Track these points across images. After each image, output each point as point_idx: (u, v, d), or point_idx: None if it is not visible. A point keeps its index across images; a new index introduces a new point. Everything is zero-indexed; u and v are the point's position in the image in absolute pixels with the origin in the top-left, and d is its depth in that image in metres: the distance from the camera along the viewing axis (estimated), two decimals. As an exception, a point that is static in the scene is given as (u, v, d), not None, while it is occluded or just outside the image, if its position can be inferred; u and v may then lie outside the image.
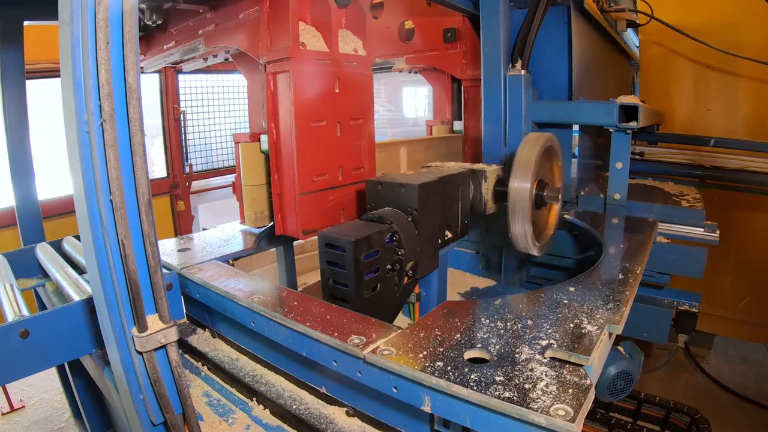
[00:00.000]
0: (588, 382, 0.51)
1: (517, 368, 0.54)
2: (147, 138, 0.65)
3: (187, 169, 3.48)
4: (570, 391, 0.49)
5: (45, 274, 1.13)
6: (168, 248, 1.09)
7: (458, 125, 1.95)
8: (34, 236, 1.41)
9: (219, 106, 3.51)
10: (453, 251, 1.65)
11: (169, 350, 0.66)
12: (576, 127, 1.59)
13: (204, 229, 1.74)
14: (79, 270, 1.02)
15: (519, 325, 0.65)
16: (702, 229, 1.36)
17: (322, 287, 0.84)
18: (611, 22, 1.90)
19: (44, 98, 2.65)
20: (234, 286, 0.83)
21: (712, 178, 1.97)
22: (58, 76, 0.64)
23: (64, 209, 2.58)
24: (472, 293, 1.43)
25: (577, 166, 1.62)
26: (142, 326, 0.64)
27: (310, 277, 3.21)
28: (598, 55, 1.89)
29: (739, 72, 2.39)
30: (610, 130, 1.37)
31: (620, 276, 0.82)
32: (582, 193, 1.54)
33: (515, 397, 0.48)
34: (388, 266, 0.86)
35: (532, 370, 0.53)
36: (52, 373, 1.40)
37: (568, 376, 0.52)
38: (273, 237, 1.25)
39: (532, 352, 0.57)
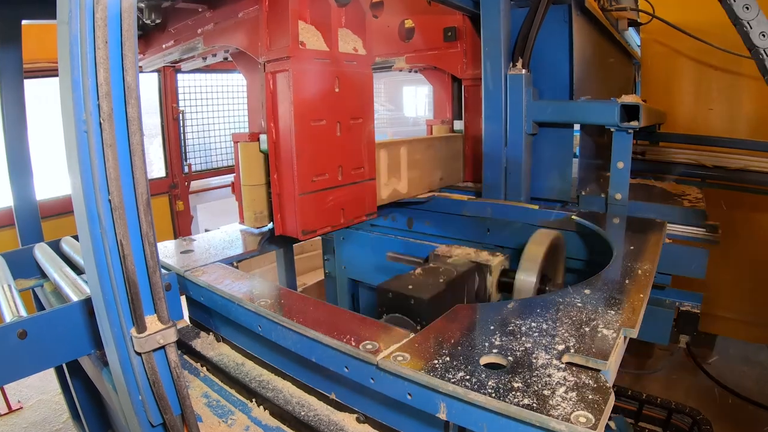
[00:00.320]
0: (608, 387, 0.50)
1: (534, 374, 0.52)
2: (146, 137, 0.64)
3: (186, 169, 3.47)
4: (590, 397, 0.48)
5: (43, 275, 1.12)
6: (170, 250, 1.08)
7: (458, 125, 1.92)
8: (33, 236, 1.41)
9: (218, 105, 3.51)
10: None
11: (168, 351, 0.66)
12: (577, 127, 1.58)
13: (206, 230, 1.74)
14: (78, 270, 1.01)
15: (533, 329, 0.63)
16: (704, 229, 1.35)
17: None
18: (612, 21, 1.90)
19: (42, 97, 2.65)
20: (239, 289, 0.81)
21: (713, 178, 1.96)
22: (57, 75, 0.64)
23: (62, 209, 2.58)
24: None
25: (578, 165, 1.62)
26: (141, 327, 0.63)
27: (309, 278, 3.21)
28: (600, 54, 1.88)
29: (741, 71, 2.39)
30: (612, 129, 1.37)
31: (632, 278, 0.81)
32: (583, 193, 1.54)
33: (534, 404, 0.47)
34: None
35: (550, 375, 0.52)
36: (51, 374, 1.38)
37: (588, 382, 0.51)
38: (274, 238, 1.24)
39: (548, 357, 0.56)
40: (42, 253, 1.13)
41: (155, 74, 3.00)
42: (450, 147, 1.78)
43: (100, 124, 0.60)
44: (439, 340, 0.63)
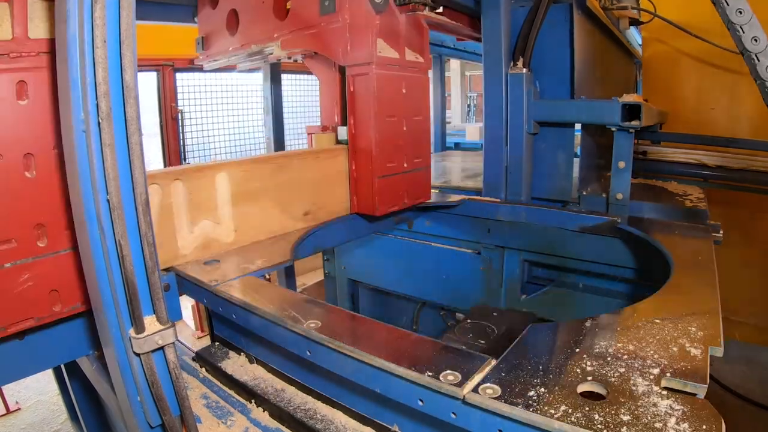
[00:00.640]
0: (717, 415, 0.46)
1: (639, 404, 0.48)
2: (144, 137, 0.64)
3: (187, 169, 3.45)
4: (703, 427, 0.44)
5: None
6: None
7: (343, 132, 1.36)
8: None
9: (218, 105, 3.50)
10: (453, 251, 1.64)
11: (166, 352, 0.65)
12: (578, 126, 1.58)
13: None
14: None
15: (620, 351, 0.58)
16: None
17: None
18: (614, 20, 1.89)
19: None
20: (279, 307, 0.71)
21: (715, 178, 1.95)
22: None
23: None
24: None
25: (579, 165, 1.61)
26: (140, 327, 0.63)
27: (309, 278, 3.21)
28: (601, 54, 1.88)
29: (743, 70, 2.37)
30: (613, 129, 1.36)
31: (700, 290, 0.75)
32: (584, 193, 1.53)
33: None
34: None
35: (656, 405, 0.47)
36: (49, 375, 1.40)
37: (695, 410, 0.46)
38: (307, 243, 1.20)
39: (646, 383, 0.51)
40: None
41: (154, 73, 2.99)
42: (324, 166, 1.26)
43: (99, 123, 0.60)
44: (525, 367, 0.56)
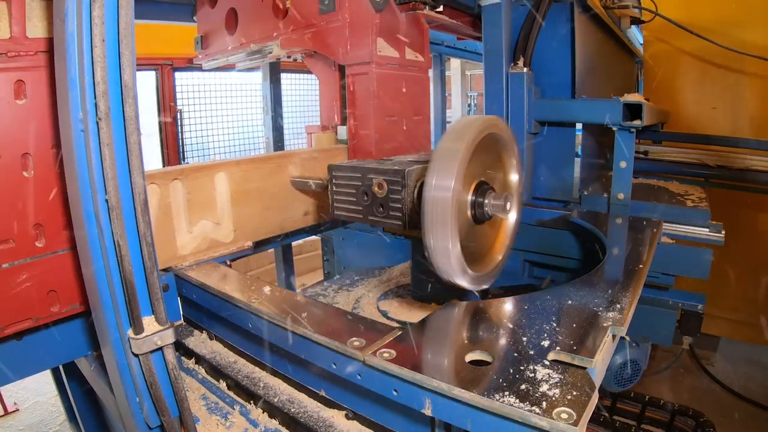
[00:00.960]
0: (591, 384, 0.51)
1: (519, 370, 0.53)
2: (143, 137, 0.64)
3: (187, 169, 3.44)
4: (573, 393, 0.49)
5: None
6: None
7: (343, 132, 1.38)
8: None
9: (216, 104, 3.49)
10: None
11: (165, 352, 0.65)
12: (579, 126, 1.57)
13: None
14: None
15: (521, 327, 0.64)
16: (707, 230, 1.34)
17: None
18: (615, 19, 1.88)
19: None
20: (231, 287, 0.82)
21: (717, 178, 1.94)
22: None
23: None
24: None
25: (580, 165, 1.60)
26: (138, 328, 0.63)
27: (309, 278, 3.21)
28: (602, 53, 1.87)
29: (744, 70, 2.37)
30: (614, 128, 1.35)
31: (624, 277, 0.81)
32: (585, 193, 1.52)
33: (517, 401, 0.48)
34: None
35: (534, 372, 0.53)
36: (47, 375, 1.38)
37: (571, 379, 0.51)
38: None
39: (534, 354, 0.57)
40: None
41: (153, 72, 2.99)
42: (323, 166, 1.16)
43: (97, 123, 0.60)
44: (425, 337, 0.63)
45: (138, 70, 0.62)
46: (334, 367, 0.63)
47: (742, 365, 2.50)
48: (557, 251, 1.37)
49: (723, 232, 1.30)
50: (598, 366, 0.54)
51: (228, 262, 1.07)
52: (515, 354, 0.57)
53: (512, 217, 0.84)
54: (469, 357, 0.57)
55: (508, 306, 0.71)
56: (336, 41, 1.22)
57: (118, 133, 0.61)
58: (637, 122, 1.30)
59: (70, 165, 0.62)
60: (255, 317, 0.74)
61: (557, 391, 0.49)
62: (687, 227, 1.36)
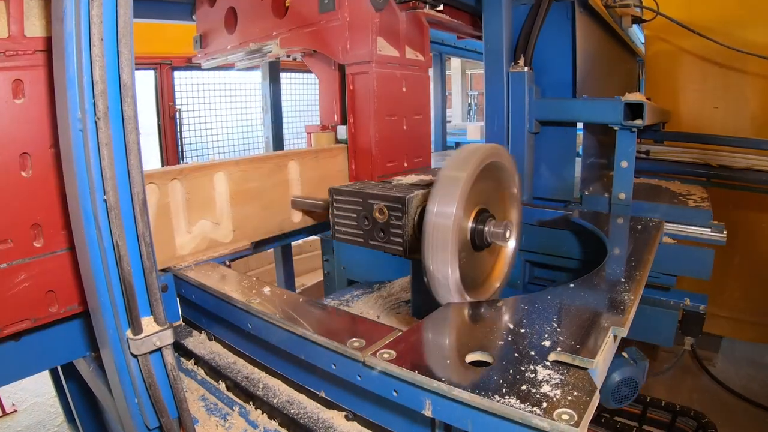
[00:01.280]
0: (592, 385, 0.50)
1: (519, 371, 0.53)
2: (142, 136, 0.63)
3: (186, 169, 3.43)
4: (574, 394, 0.48)
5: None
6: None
7: (342, 132, 1.37)
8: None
9: (216, 103, 3.49)
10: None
11: (164, 353, 0.65)
12: (580, 125, 1.56)
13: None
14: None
15: (521, 327, 0.64)
16: (709, 230, 1.33)
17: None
18: (616, 18, 1.87)
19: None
20: (230, 287, 0.82)
21: (719, 178, 1.93)
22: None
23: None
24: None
25: (582, 165, 1.60)
26: (137, 329, 0.63)
27: (308, 279, 3.20)
28: (603, 52, 1.86)
29: (746, 69, 2.36)
30: (615, 128, 1.35)
31: (625, 277, 0.80)
32: (586, 193, 1.52)
33: (518, 401, 0.47)
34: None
35: (535, 373, 0.52)
36: (45, 376, 1.37)
37: (572, 380, 0.51)
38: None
39: (535, 354, 0.56)
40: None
41: (151, 72, 2.98)
42: (323, 166, 1.24)
43: (96, 122, 0.59)
44: (426, 338, 0.63)
45: (137, 69, 0.62)
46: (334, 367, 0.63)
47: (744, 366, 2.49)
48: (558, 251, 1.37)
49: (725, 232, 1.30)
50: (599, 366, 0.54)
51: (227, 263, 1.06)
52: (516, 354, 0.57)
53: (511, 244, 0.86)
54: (470, 357, 0.57)
55: (508, 306, 0.71)
56: (336, 40, 1.22)
57: (117, 133, 0.61)
58: (638, 122, 1.29)
59: (69, 165, 0.62)
60: (254, 318, 0.74)
61: (558, 391, 0.49)
62: (689, 227, 1.35)
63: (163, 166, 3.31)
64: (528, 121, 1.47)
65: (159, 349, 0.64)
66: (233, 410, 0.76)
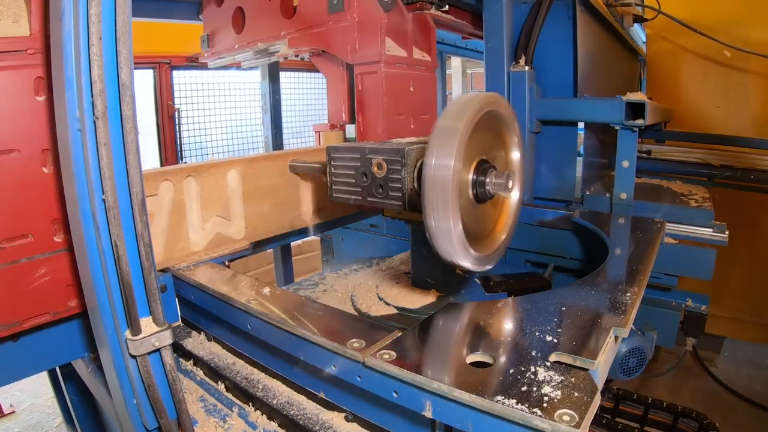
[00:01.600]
0: (594, 386, 0.50)
1: (520, 372, 0.53)
2: (140, 136, 0.63)
3: (185, 169, 3.43)
4: (575, 395, 0.48)
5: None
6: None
7: (351, 130, 1.43)
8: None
9: (215, 103, 3.48)
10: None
11: (163, 354, 0.65)
12: (581, 125, 1.56)
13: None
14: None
15: (522, 328, 0.63)
16: (711, 230, 1.32)
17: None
18: (617, 17, 1.87)
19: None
20: (230, 287, 0.82)
21: (721, 177, 1.92)
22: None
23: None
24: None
25: (583, 164, 1.59)
26: (136, 329, 0.62)
27: (309, 278, 3.20)
28: (604, 51, 1.85)
29: (748, 68, 2.35)
30: (617, 127, 1.34)
31: (626, 278, 0.80)
32: (587, 193, 1.51)
33: (519, 402, 0.47)
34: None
35: (536, 374, 0.52)
36: (43, 377, 1.37)
37: (573, 381, 0.51)
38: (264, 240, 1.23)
39: (536, 355, 0.56)
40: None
41: (150, 71, 2.98)
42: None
43: (95, 122, 0.59)
44: (426, 339, 0.62)
45: (135, 68, 0.62)
46: (334, 368, 0.63)
47: (745, 366, 2.48)
48: (558, 251, 1.36)
49: (726, 232, 1.29)
50: (600, 367, 0.54)
51: (226, 263, 1.06)
52: (516, 355, 0.56)
53: (515, 195, 0.82)
54: (470, 358, 0.57)
55: (509, 307, 0.70)
56: (344, 40, 1.22)
57: (116, 133, 0.60)
58: (639, 121, 1.28)
59: (67, 164, 0.62)
60: (254, 318, 0.73)
61: (559, 392, 0.48)
62: (690, 227, 1.35)
63: (161, 165, 3.31)
64: (529, 121, 1.47)
65: (158, 350, 0.64)
66: (232, 411, 0.76)
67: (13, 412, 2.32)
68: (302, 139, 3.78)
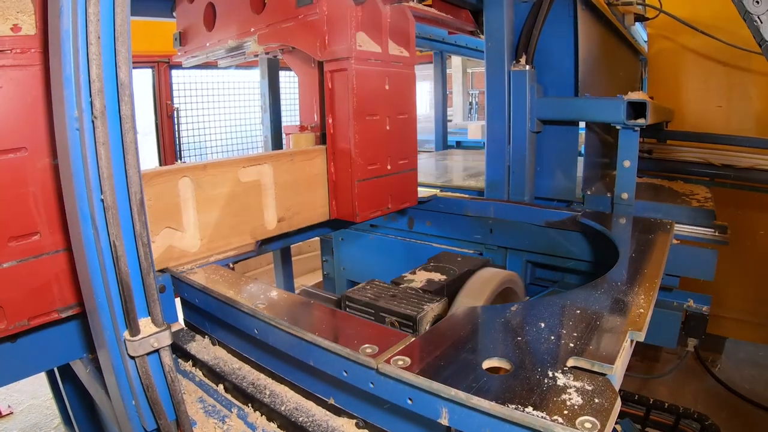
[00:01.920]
0: (613, 392, 0.48)
1: (538, 378, 0.51)
2: (139, 135, 0.63)
3: (185, 169, 3.42)
4: (595, 401, 0.47)
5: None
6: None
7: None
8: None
9: (214, 102, 3.47)
10: (456, 252, 1.62)
11: (162, 355, 0.64)
12: (582, 125, 1.55)
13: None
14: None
15: (538, 332, 0.62)
16: (712, 230, 1.32)
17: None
18: (619, 16, 1.86)
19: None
20: (235, 290, 0.80)
21: (722, 177, 1.92)
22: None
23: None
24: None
25: (584, 164, 1.59)
26: (135, 330, 0.62)
27: (308, 279, 3.19)
28: (605, 50, 1.85)
29: (750, 68, 2.34)
30: (618, 127, 1.34)
31: (639, 280, 0.79)
32: (588, 192, 1.51)
33: (539, 410, 0.46)
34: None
35: (554, 380, 0.50)
36: (42, 378, 1.37)
37: (592, 386, 0.49)
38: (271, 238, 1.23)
39: (553, 360, 0.54)
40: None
41: (149, 70, 2.97)
42: (296, 169, 1.18)
43: (93, 121, 0.59)
44: (440, 343, 0.61)
45: (134, 67, 0.61)
46: (345, 374, 0.61)
47: (747, 367, 2.47)
48: (559, 252, 1.36)
49: (728, 232, 1.28)
50: (617, 372, 0.52)
51: (231, 265, 1.05)
52: (533, 360, 0.55)
53: None
54: (486, 364, 0.55)
55: (523, 310, 0.69)
56: (313, 36, 1.14)
57: (114, 132, 0.60)
58: (641, 121, 1.28)
59: (65, 164, 0.62)
60: (261, 322, 0.72)
61: (579, 399, 0.47)
62: (692, 227, 1.34)
63: (160, 165, 3.29)
64: (529, 120, 1.46)
65: (157, 351, 0.63)
66: (232, 412, 0.75)
67: (12, 413, 2.31)
68: (302, 139, 3.75)
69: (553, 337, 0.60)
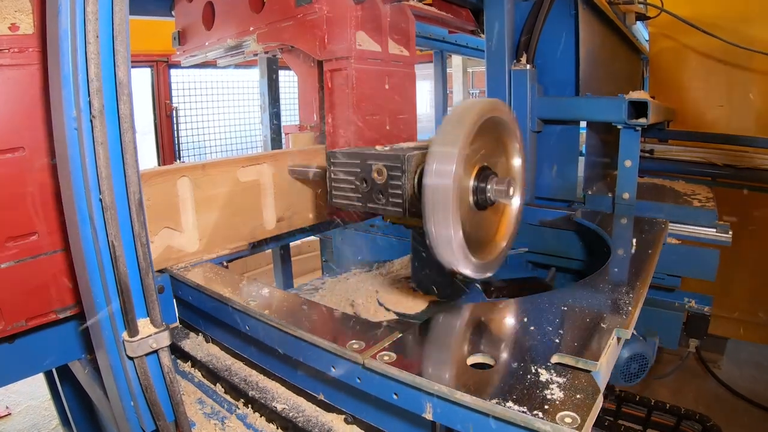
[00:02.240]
0: (596, 388, 0.49)
1: (522, 373, 0.52)
2: (138, 135, 0.62)
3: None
4: (577, 397, 0.48)
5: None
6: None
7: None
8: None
9: (213, 102, 3.46)
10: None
11: (161, 355, 0.64)
12: (583, 124, 1.55)
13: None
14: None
15: (524, 329, 0.63)
16: (714, 230, 1.31)
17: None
18: (620, 15, 1.85)
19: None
20: (228, 288, 0.81)
21: (724, 177, 1.91)
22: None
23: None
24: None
25: (585, 164, 1.58)
26: (133, 330, 0.62)
27: (307, 279, 3.19)
28: (607, 49, 1.84)
29: (752, 67, 2.33)
30: (619, 127, 1.33)
31: (629, 278, 0.80)
32: (589, 192, 1.50)
33: (520, 404, 0.47)
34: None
35: (537, 375, 0.52)
36: (40, 379, 1.36)
37: (575, 382, 0.50)
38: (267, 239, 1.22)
39: (537, 356, 0.56)
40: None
41: (148, 69, 2.96)
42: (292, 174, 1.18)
43: (91, 121, 0.58)
44: (427, 340, 0.62)
45: (133, 67, 0.61)
46: (333, 370, 0.62)
47: (749, 368, 2.46)
48: (559, 251, 1.35)
49: (730, 232, 1.28)
50: (602, 369, 0.53)
51: (225, 264, 1.05)
52: (518, 356, 0.56)
53: (516, 202, 0.81)
54: (471, 360, 0.56)
55: (510, 308, 0.70)
56: (313, 35, 1.14)
57: (113, 132, 0.60)
58: (642, 120, 1.27)
59: (64, 164, 0.61)
60: (252, 319, 0.73)
61: (561, 394, 0.48)
62: (693, 227, 1.33)
63: (159, 165, 3.29)
64: (530, 120, 1.45)
65: (155, 352, 0.63)
66: (231, 413, 0.75)
67: (9, 414, 2.30)
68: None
69: (539, 334, 0.60)
